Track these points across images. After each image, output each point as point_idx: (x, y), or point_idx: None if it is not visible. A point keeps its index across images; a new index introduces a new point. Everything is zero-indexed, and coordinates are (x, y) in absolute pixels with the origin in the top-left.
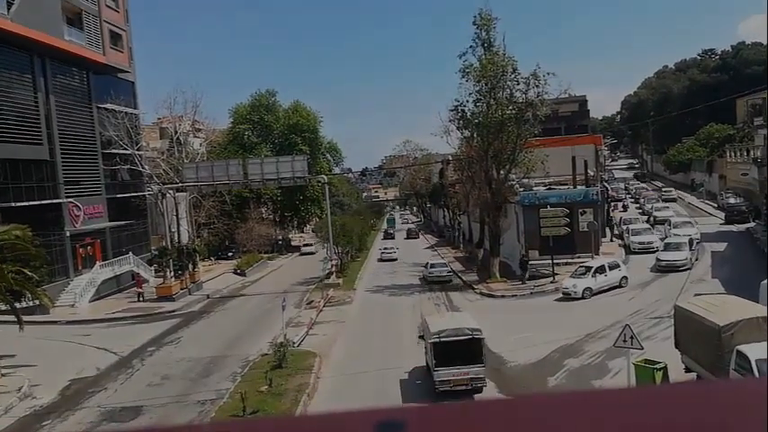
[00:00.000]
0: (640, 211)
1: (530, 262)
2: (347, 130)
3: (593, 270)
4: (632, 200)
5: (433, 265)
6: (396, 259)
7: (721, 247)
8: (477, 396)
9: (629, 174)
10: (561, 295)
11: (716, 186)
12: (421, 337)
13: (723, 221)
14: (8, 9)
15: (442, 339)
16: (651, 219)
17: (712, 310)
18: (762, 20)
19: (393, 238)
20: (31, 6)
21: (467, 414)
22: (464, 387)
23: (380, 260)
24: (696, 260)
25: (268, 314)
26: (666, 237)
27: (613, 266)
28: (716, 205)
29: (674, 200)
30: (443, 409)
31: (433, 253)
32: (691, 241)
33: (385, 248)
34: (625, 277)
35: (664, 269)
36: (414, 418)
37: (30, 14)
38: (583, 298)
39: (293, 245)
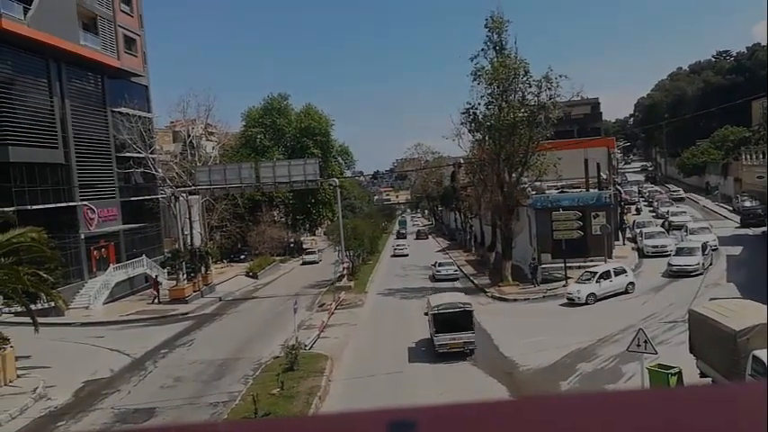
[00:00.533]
0: (654, 214)
1: (541, 266)
2: (359, 134)
3: (597, 276)
4: (645, 203)
5: (441, 264)
6: (407, 255)
7: (737, 250)
8: (482, 397)
9: (643, 177)
10: (566, 300)
11: (731, 189)
12: (426, 313)
13: (738, 225)
14: (25, 14)
15: (440, 311)
16: (667, 223)
17: (728, 315)
18: None
19: (405, 237)
20: (47, 12)
21: (478, 414)
22: (459, 349)
23: (393, 255)
24: (710, 265)
25: (280, 317)
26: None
27: (619, 272)
28: (731, 208)
29: (682, 199)
30: (455, 409)
31: (445, 256)
32: (704, 246)
33: (398, 245)
34: (632, 283)
35: (675, 274)
36: (426, 417)
37: (46, 20)
38: (587, 304)
39: (305, 248)
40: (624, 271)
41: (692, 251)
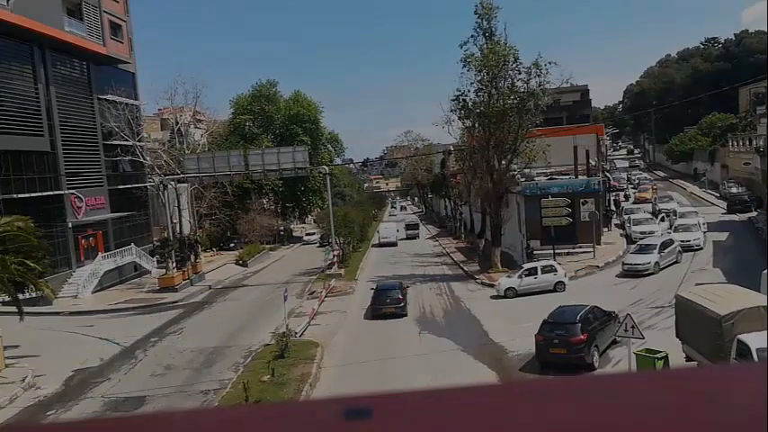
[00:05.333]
0: (651, 211)
1: (534, 252)
2: (348, 121)
3: (520, 272)
4: (634, 190)
5: (409, 217)
6: (396, 216)
7: (723, 236)
8: (446, 383)
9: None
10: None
11: (718, 176)
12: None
13: (725, 211)
14: (8, 0)
15: (407, 223)
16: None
17: (713, 300)
18: (763, 8)
19: (396, 209)
20: None
21: (437, 401)
22: (413, 237)
23: (389, 215)
24: (674, 263)
25: (270, 304)
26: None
27: (547, 270)
28: (718, 195)
29: (637, 166)
30: (412, 395)
31: (435, 243)
32: (665, 244)
33: (392, 213)
34: (561, 282)
35: (626, 274)
36: (381, 404)
37: (30, 5)
38: (506, 297)
39: (295, 235)
40: (553, 269)
41: (648, 249)
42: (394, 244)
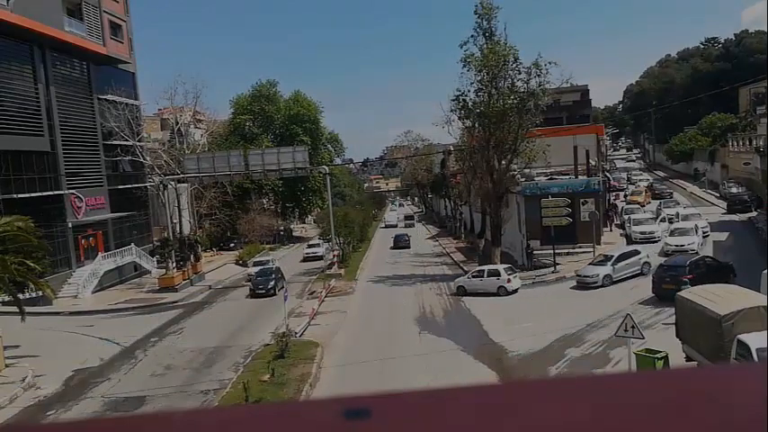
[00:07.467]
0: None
1: (532, 252)
2: (348, 121)
3: (470, 273)
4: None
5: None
6: (396, 210)
7: (723, 236)
8: (446, 383)
9: (631, 163)
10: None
11: (718, 176)
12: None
13: (725, 211)
14: (8, 0)
15: (405, 216)
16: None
17: (713, 300)
18: (764, 8)
19: (395, 205)
20: None
21: (436, 401)
22: (411, 226)
23: (391, 210)
24: (640, 275)
25: (270, 304)
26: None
27: (492, 274)
28: (718, 195)
29: (633, 160)
30: (412, 395)
31: (435, 243)
32: (623, 255)
33: (392, 208)
34: (503, 287)
35: (577, 286)
36: (381, 404)
37: (30, 5)
38: (458, 294)
39: (295, 235)
40: (498, 274)
41: (604, 261)
42: (395, 225)
